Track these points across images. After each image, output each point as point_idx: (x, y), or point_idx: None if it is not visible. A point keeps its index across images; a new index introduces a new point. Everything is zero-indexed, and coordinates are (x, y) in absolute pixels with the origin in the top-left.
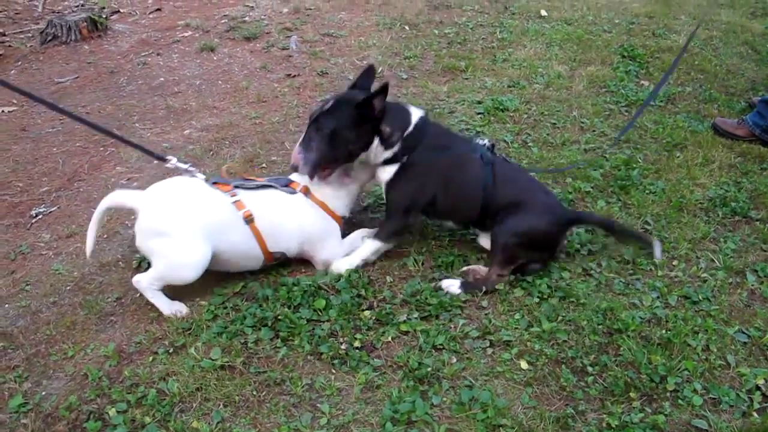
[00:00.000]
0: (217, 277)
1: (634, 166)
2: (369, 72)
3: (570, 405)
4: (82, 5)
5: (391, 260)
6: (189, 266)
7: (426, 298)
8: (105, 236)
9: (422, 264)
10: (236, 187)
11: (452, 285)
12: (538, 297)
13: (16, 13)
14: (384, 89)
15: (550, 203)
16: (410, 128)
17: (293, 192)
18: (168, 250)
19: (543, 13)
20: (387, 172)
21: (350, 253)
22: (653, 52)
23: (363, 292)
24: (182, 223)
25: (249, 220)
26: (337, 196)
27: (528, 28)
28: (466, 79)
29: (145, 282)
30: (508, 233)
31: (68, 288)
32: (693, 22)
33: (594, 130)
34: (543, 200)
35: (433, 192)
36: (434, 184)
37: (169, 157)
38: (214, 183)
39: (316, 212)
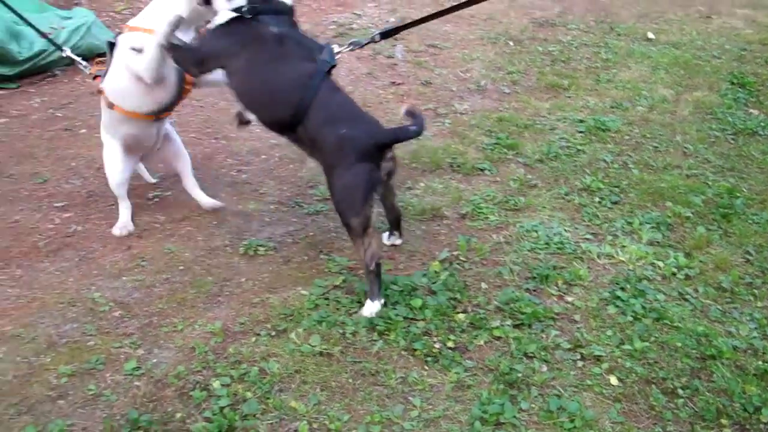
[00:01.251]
0: (318, 269)
1: (738, 195)
2: None
3: (658, 425)
4: None
5: (486, 268)
6: None
7: (520, 307)
8: (214, 223)
9: (517, 274)
10: None
11: (363, 311)
12: (631, 316)
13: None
14: None
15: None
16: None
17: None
18: None
19: (650, 35)
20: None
21: None
22: (765, 81)
23: (458, 296)
24: None
25: None
26: None
27: (634, 50)
28: (569, 97)
29: None
30: (340, 213)
31: (180, 267)
32: None
33: (697, 156)
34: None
35: (240, 59)
36: (249, 54)
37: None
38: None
39: None
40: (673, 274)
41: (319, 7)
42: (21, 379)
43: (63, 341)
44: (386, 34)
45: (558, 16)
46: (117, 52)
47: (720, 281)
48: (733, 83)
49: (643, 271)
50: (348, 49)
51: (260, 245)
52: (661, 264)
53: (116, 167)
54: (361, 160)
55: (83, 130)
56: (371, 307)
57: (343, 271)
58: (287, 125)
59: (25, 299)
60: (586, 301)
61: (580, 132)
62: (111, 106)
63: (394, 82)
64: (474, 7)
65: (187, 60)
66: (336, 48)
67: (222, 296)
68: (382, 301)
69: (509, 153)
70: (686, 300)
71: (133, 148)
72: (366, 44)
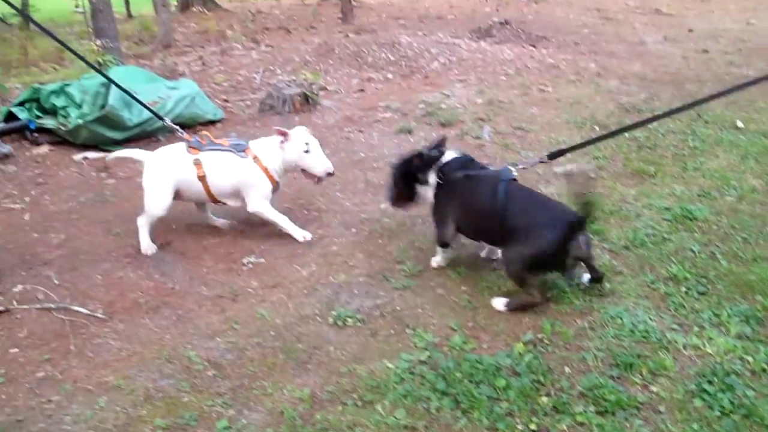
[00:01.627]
0: (404, 343)
1: None
2: (440, 143)
3: None
4: (294, 80)
5: (570, 352)
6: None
7: (604, 394)
8: (305, 292)
9: (601, 361)
10: (203, 151)
11: (499, 302)
12: (719, 411)
13: (239, 83)
14: (419, 155)
15: (551, 221)
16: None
17: (244, 156)
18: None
19: (739, 124)
20: (429, 191)
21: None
22: None
23: (541, 379)
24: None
25: (201, 178)
26: (275, 164)
27: (722, 138)
28: (654, 184)
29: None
30: (511, 261)
31: (271, 333)
32: None
33: None
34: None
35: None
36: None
37: (178, 130)
38: (189, 147)
39: (257, 171)
40: (764, 370)
41: (408, 86)
42: (120, 428)
43: (159, 395)
44: (554, 156)
45: (644, 102)
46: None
47: None
48: None
49: (731, 365)
50: (521, 167)
51: (349, 316)
52: (750, 359)
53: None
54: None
55: None
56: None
57: (428, 346)
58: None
59: (126, 352)
60: (671, 392)
61: (667, 220)
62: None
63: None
64: (562, 91)
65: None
66: (511, 168)
67: (311, 363)
68: None
69: (595, 238)
70: None
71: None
72: (534, 165)
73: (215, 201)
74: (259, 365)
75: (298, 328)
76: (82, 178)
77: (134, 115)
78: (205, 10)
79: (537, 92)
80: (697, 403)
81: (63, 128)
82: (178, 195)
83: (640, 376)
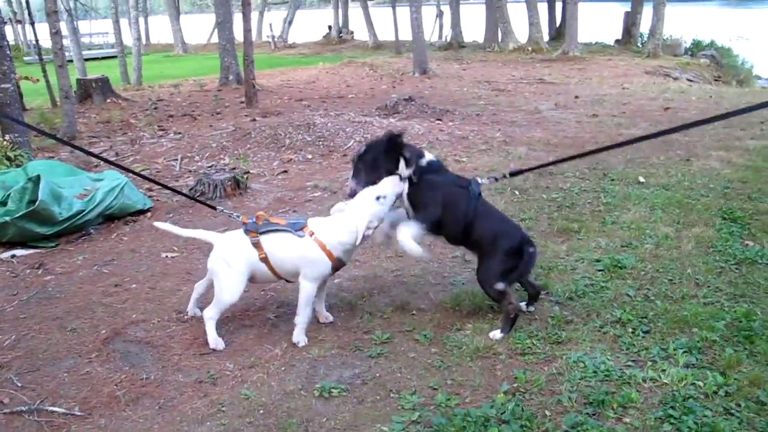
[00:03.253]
0: (392, 407)
1: (755, 318)
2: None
3: None
4: (214, 165)
5: (545, 397)
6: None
7: (586, 430)
8: (283, 369)
9: (575, 401)
10: (261, 233)
11: (496, 334)
12: (687, 431)
13: (158, 172)
14: (401, 133)
15: (511, 229)
16: (424, 162)
17: (302, 235)
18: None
19: (641, 179)
20: (405, 185)
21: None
22: (752, 215)
23: (527, 423)
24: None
25: (263, 259)
26: (336, 241)
27: (629, 193)
28: (580, 239)
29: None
30: (485, 282)
31: (260, 411)
32: None
33: (709, 286)
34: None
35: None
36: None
37: (219, 208)
38: (247, 230)
39: (315, 248)
40: (714, 392)
41: (329, 165)
42: None
43: None
44: (514, 174)
45: (554, 166)
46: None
47: (758, 396)
48: (724, 218)
49: (687, 391)
50: (488, 181)
51: (333, 387)
52: (701, 383)
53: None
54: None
55: (134, 285)
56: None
57: (416, 407)
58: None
59: None
60: (643, 421)
61: (600, 270)
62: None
63: None
64: (476, 160)
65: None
66: (479, 180)
67: None
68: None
69: (541, 293)
70: (732, 414)
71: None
72: (499, 179)
73: (287, 280)
74: None
75: (286, 404)
76: (16, 276)
77: (64, 209)
78: (105, 100)
79: (454, 162)
80: (667, 427)
81: None
82: (252, 279)
83: (612, 410)
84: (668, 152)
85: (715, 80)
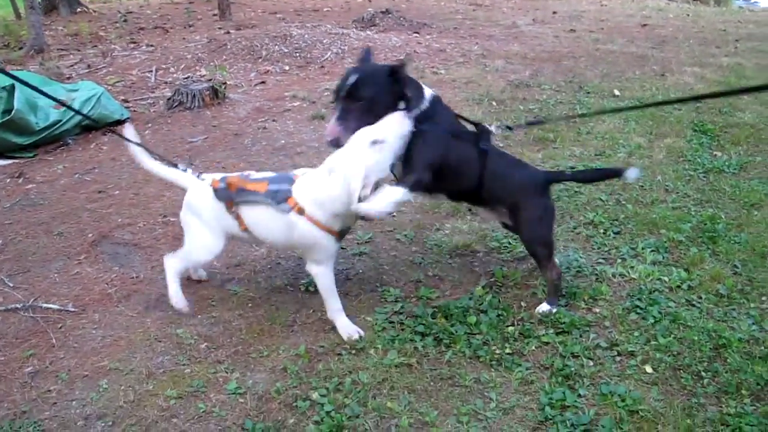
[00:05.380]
0: (375, 300)
1: (718, 221)
2: (368, 53)
3: (692, 399)
4: (190, 77)
5: (521, 290)
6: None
7: (559, 318)
8: (269, 267)
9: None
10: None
11: (544, 307)
12: (652, 319)
13: (133, 83)
14: (404, 62)
15: (535, 183)
16: (425, 102)
17: (287, 210)
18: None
19: (616, 92)
20: None
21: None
22: (722, 128)
23: (504, 313)
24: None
25: (247, 231)
26: (329, 213)
27: (604, 106)
28: (556, 148)
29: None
30: (535, 242)
31: (249, 305)
32: (755, 101)
33: (678, 192)
34: (532, 189)
35: (440, 157)
36: (441, 152)
37: (180, 166)
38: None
39: (308, 228)
40: (678, 286)
41: (307, 76)
42: (132, 404)
43: (160, 371)
44: (533, 123)
45: (530, 78)
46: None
47: (718, 289)
48: (695, 130)
49: (653, 285)
50: (501, 129)
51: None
52: (666, 279)
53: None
54: (542, 195)
55: (117, 192)
56: (551, 307)
57: (398, 299)
58: (472, 193)
59: (111, 338)
60: (611, 311)
61: None
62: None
63: None
64: (454, 72)
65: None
66: (491, 127)
67: (296, 326)
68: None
69: None
70: (693, 305)
71: None
72: (513, 129)
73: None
74: (248, 333)
75: (273, 298)
76: None
77: (40, 119)
78: (72, 12)
79: (431, 75)
80: (633, 316)
81: None
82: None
83: (584, 302)
84: (644, 67)
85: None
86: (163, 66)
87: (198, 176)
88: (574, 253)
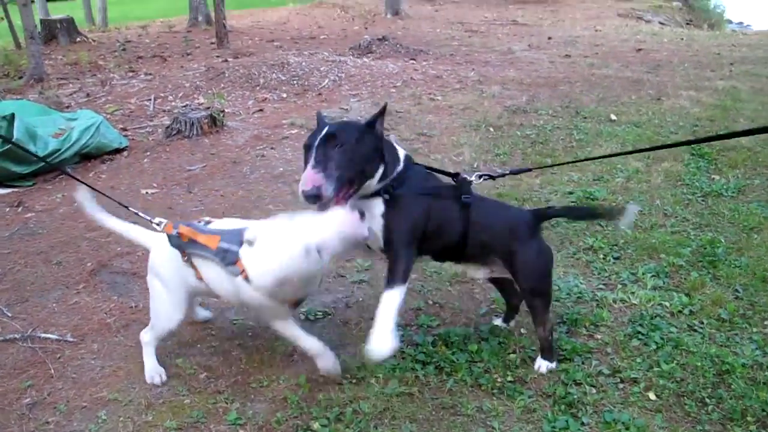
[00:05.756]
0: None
1: (718, 245)
2: (320, 116)
3: (697, 426)
4: (189, 105)
5: (522, 317)
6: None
7: (561, 345)
8: None
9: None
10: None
11: (542, 365)
12: (654, 345)
13: (132, 112)
14: (383, 111)
15: (524, 223)
16: (401, 162)
17: (235, 273)
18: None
19: (613, 117)
20: (378, 204)
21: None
22: (719, 151)
23: (505, 340)
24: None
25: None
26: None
27: (601, 130)
28: (553, 173)
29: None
30: (533, 290)
31: (249, 334)
32: (751, 125)
33: (677, 216)
34: (524, 231)
35: (422, 224)
36: (422, 218)
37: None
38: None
39: (256, 296)
40: (680, 311)
41: (305, 104)
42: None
43: (160, 401)
44: (516, 172)
45: (527, 104)
46: None
47: (719, 314)
48: (693, 154)
49: (654, 311)
50: (479, 180)
51: (318, 311)
52: (667, 304)
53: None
54: (534, 236)
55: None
56: (550, 366)
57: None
58: (457, 250)
59: (110, 369)
60: (613, 337)
61: (573, 202)
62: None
63: None
64: (451, 99)
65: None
66: (471, 177)
67: (296, 355)
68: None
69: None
70: (695, 330)
71: None
72: (497, 177)
73: None
74: (248, 363)
75: (272, 329)
76: None
77: (40, 148)
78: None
79: (428, 101)
80: (635, 342)
81: None
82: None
83: (585, 329)
84: (639, 92)
85: (687, 24)
86: (162, 94)
87: (151, 220)
88: (575, 279)
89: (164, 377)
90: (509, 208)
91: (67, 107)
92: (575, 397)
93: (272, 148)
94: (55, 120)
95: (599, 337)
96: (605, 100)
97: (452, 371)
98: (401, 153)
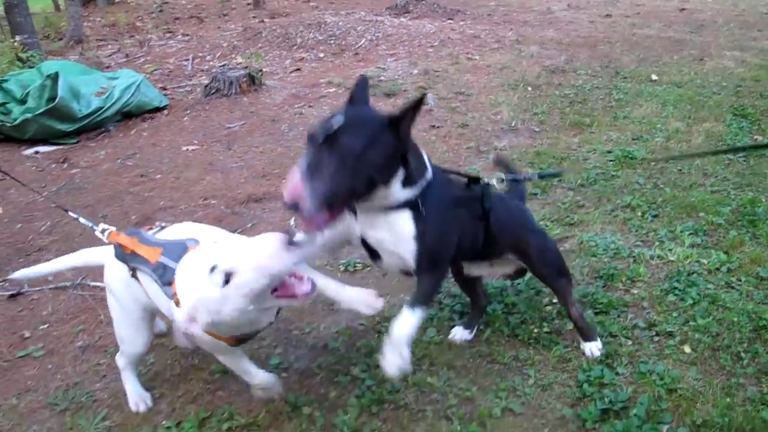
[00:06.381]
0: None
1: (759, 205)
2: (363, 84)
3: (732, 379)
4: (226, 64)
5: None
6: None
7: (597, 299)
8: None
9: (587, 275)
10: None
11: (592, 348)
12: (690, 301)
13: (171, 72)
14: (419, 103)
15: (527, 211)
16: (428, 168)
17: (168, 294)
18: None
19: (653, 77)
20: (406, 221)
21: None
22: (763, 111)
23: (541, 293)
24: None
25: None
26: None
27: (642, 90)
28: (592, 133)
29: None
30: (557, 271)
31: None
32: None
33: (717, 176)
34: (529, 221)
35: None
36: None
37: (74, 215)
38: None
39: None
40: (717, 268)
41: (342, 64)
42: (178, 377)
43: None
44: (543, 176)
45: (566, 64)
46: None
47: (758, 272)
48: (735, 114)
49: (692, 268)
50: (500, 181)
51: (357, 263)
52: (705, 261)
53: None
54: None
55: (158, 176)
56: (599, 345)
57: None
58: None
59: None
60: (649, 292)
61: (611, 161)
62: None
63: (433, 126)
64: (489, 58)
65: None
66: (488, 180)
67: (336, 305)
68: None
69: (554, 180)
70: (732, 288)
71: None
72: (522, 180)
73: None
74: (288, 311)
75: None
76: (42, 170)
77: (83, 106)
78: (109, 3)
79: (466, 61)
80: (671, 298)
81: (8, 124)
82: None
83: (622, 284)
84: (681, 52)
85: None
86: (200, 54)
87: (94, 227)
88: (612, 235)
89: (149, 402)
90: (515, 204)
91: (107, 67)
92: (610, 349)
93: (310, 107)
94: (96, 79)
95: (635, 292)
96: (646, 60)
97: (489, 322)
98: (425, 155)
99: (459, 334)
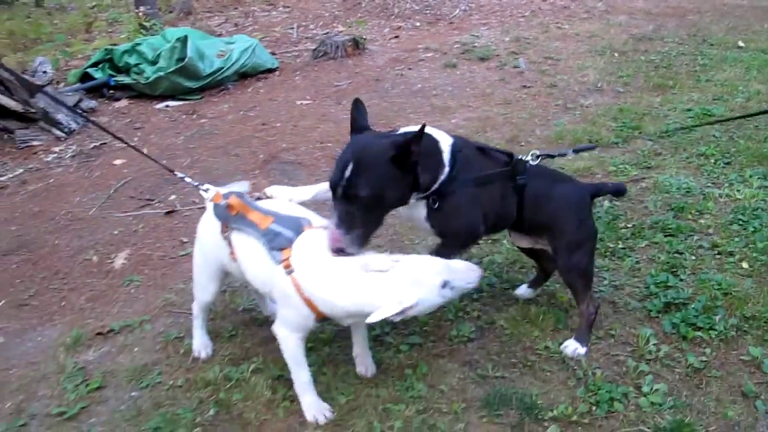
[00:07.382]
0: None
1: None
2: (360, 108)
3: None
4: (329, 33)
5: (634, 204)
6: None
7: (667, 225)
8: None
9: (659, 207)
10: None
11: (571, 346)
12: (752, 229)
13: (277, 39)
14: (421, 133)
15: (577, 202)
16: (446, 166)
17: (278, 259)
18: None
19: (740, 44)
20: (419, 208)
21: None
22: None
23: (619, 218)
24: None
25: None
26: (324, 296)
27: (727, 56)
28: (674, 93)
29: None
30: (573, 271)
31: None
32: None
33: None
34: (573, 212)
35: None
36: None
37: (180, 175)
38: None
39: (290, 291)
40: None
41: (437, 32)
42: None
43: None
44: (579, 150)
45: (653, 32)
46: None
47: None
48: None
49: (757, 204)
50: (536, 160)
51: None
52: None
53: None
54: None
55: (278, 124)
56: (580, 346)
57: None
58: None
59: None
60: (716, 222)
61: (690, 117)
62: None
63: (524, 86)
64: (578, 27)
65: None
66: (527, 158)
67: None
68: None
69: (634, 132)
70: None
71: None
72: (556, 156)
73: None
74: (400, 227)
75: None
76: (174, 121)
77: (207, 66)
78: None
79: (555, 29)
80: (735, 227)
81: (142, 82)
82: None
83: (691, 215)
84: None
85: None
86: (303, 23)
87: (200, 186)
88: (685, 178)
89: (210, 351)
90: (564, 183)
91: (219, 35)
92: (676, 262)
93: (410, 69)
94: (215, 43)
95: (702, 221)
96: (735, 29)
97: None
98: (446, 147)
99: (523, 291)
